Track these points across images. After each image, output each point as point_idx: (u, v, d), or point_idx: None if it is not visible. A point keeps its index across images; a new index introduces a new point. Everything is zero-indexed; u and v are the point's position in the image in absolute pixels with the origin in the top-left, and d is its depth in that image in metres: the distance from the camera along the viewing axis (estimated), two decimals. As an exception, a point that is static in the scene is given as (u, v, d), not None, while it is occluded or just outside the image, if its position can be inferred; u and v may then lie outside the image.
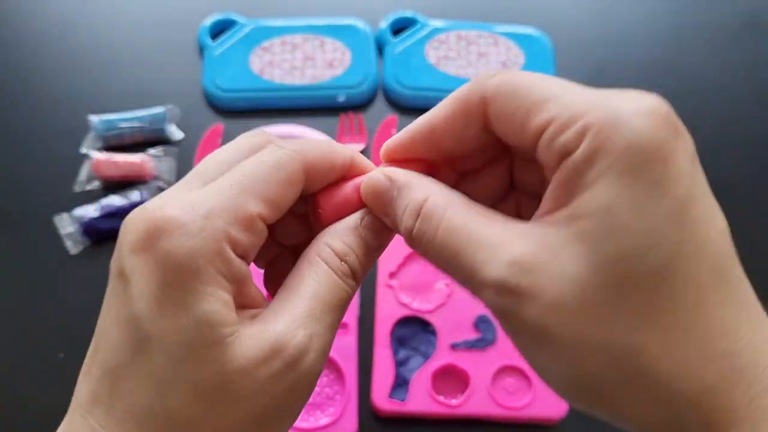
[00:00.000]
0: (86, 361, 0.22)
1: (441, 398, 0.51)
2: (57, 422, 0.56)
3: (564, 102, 0.20)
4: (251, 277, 0.22)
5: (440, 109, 0.23)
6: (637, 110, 0.19)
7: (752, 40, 0.73)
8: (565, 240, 0.19)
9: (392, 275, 0.56)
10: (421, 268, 0.57)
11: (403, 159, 0.24)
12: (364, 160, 0.26)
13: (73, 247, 0.58)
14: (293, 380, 0.21)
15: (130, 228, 0.21)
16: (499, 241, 0.20)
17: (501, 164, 0.25)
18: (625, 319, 0.19)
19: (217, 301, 0.20)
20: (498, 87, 0.22)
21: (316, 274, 0.23)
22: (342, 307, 0.23)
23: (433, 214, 0.22)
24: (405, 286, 0.56)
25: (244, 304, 0.22)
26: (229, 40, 0.69)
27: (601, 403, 0.20)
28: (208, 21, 0.70)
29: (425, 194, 0.22)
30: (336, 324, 0.23)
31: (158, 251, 0.20)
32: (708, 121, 0.67)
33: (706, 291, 0.19)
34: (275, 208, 0.22)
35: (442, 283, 0.56)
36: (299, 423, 0.50)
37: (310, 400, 0.52)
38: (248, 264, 0.22)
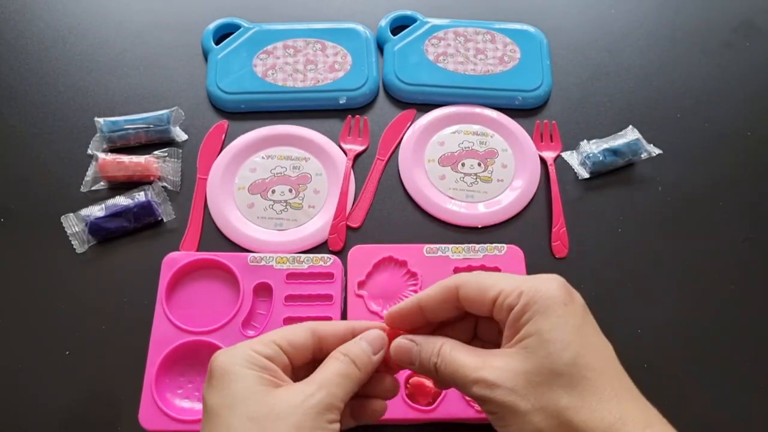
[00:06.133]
0: None
1: (415, 405, 0.50)
2: (62, 417, 0.57)
3: (507, 282, 0.35)
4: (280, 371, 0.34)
5: (428, 292, 0.37)
6: (547, 282, 0.34)
7: (745, 43, 0.73)
8: (516, 353, 0.33)
9: (361, 285, 0.56)
10: (388, 277, 0.57)
11: (399, 326, 0.38)
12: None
13: (79, 246, 0.59)
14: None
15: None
16: (478, 361, 0.34)
17: (466, 323, 0.39)
18: (555, 392, 0.31)
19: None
20: (466, 278, 0.36)
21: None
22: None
23: (443, 352, 0.36)
24: (374, 295, 0.56)
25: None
26: (232, 43, 0.70)
27: None
28: (212, 25, 0.71)
29: (440, 343, 0.36)
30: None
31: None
32: (702, 122, 0.67)
33: (600, 374, 0.32)
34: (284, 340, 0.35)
35: (409, 290, 0.56)
36: None
37: None
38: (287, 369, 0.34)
